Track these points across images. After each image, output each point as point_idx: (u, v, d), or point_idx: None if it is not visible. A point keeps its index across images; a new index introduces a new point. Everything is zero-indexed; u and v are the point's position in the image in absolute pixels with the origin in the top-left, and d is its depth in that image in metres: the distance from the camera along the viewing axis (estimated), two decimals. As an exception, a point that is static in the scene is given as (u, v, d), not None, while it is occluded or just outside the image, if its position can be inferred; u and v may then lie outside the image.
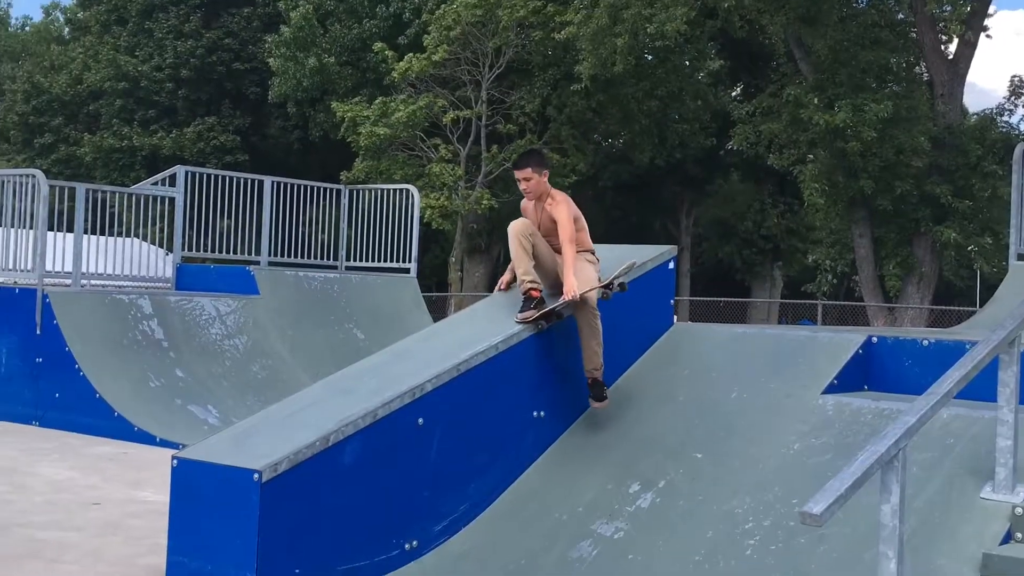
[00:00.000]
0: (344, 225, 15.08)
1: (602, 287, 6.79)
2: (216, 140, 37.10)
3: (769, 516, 5.59)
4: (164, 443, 9.94)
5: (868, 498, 4.52)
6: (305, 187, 14.58)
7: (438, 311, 24.41)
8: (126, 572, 5.84)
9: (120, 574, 5.80)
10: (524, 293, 6.69)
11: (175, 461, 5.72)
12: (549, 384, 6.76)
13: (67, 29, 51.68)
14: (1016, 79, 28.88)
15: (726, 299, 32.84)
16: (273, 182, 14.16)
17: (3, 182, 11.79)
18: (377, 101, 29.71)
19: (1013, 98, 28.89)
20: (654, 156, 33.73)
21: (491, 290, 7.29)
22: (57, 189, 12.13)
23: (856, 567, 5.01)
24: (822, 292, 30.62)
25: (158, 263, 13.74)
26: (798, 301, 34.54)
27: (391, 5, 32.97)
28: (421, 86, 29.76)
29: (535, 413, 6.72)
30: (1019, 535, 4.96)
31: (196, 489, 5.60)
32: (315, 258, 14.90)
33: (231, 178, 13.85)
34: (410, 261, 14.68)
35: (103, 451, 9.82)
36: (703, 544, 5.60)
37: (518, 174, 6.83)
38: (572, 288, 6.47)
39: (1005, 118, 28.49)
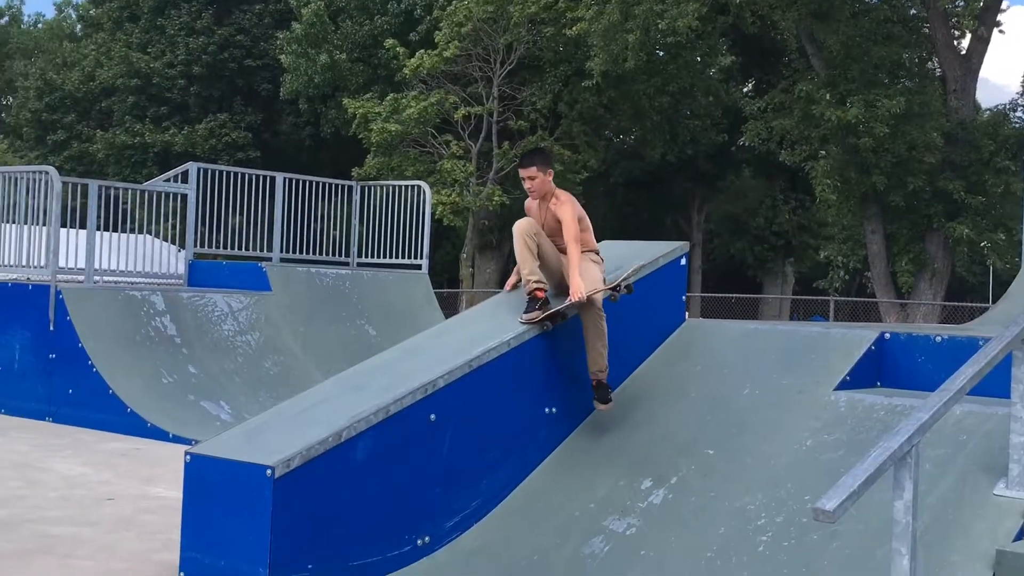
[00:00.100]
0: (356, 221, 15.09)
1: (610, 289, 6.76)
2: (228, 137, 37.19)
3: (781, 512, 5.58)
4: (177, 439, 9.97)
5: (881, 495, 4.51)
6: (317, 183, 14.59)
7: (450, 307, 24.42)
8: (139, 568, 5.86)
9: (133, 570, 5.82)
10: (529, 294, 6.64)
11: (188, 457, 5.74)
12: (561, 381, 6.75)
13: (79, 26, 51.80)
14: (1029, 74, 28.78)
15: (738, 295, 32.80)
16: (285, 178, 14.18)
17: (16, 179, 11.82)
18: (388, 97, 29.74)
19: (1026, 94, 28.78)
20: (665, 152, 33.71)
21: (502, 286, 7.26)
22: (70, 186, 12.16)
23: (869, 564, 5.00)
24: (834, 288, 30.55)
25: (170, 259, 13.77)
26: (810, 297, 34.46)
27: (402, 2, 33.00)
28: (432, 82, 29.77)
29: (547, 409, 6.72)
30: (1032, 532, 4.95)
31: (209, 485, 5.62)
32: (327, 254, 14.91)
33: (243, 175, 13.87)
34: (422, 257, 14.69)
35: (116, 447, 9.85)
36: (715, 540, 5.60)
37: (523, 173, 6.78)
38: (579, 289, 6.42)
39: (1018, 114, 28.50)
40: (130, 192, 13.61)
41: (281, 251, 14.07)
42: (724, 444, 6.30)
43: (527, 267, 6.63)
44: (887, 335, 6.84)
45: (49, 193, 11.31)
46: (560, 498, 6.34)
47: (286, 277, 13.17)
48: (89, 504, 7.41)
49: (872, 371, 6.71)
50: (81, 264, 11.90)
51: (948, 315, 26.23)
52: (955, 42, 26.55)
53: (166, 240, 14.29)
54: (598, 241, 7.08)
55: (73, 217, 12.12)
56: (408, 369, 6.28)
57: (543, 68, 30.61)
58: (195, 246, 13.43)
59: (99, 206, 12.01)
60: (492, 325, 6.70)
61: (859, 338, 6.80)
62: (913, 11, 27.17)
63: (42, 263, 11.44)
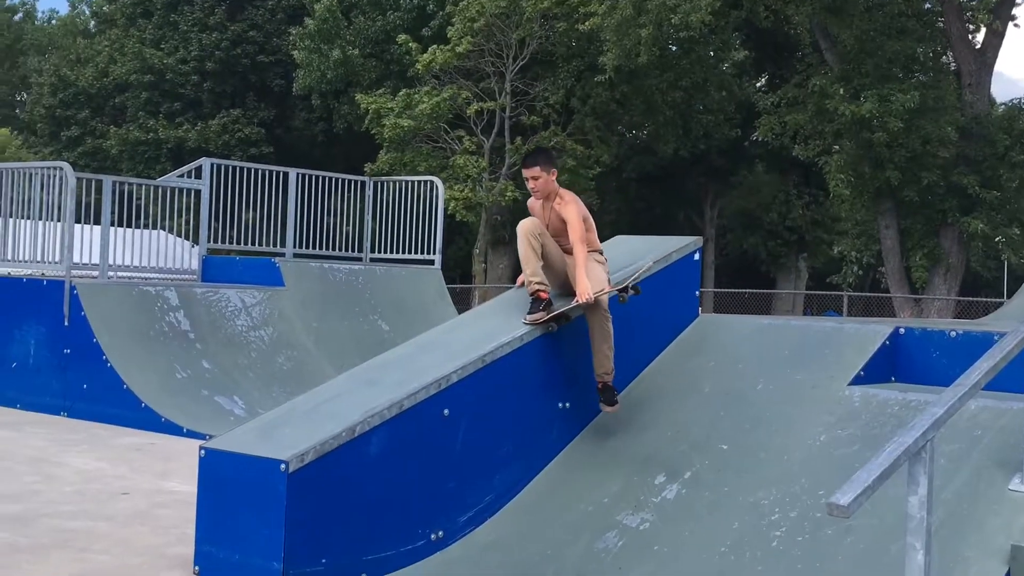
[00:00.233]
0: (368, 217, 15.11)
1: (618, 291, 6.74)
2: (241, 132, 37.25)
3: (795, 507, 5.58)
4: (191, 434, 10.00)
5: (895, 490, 4.50)
6: (330, 179, 14.61)
7: (462, 303, 24.44)
8: (154, 561, 5.88)
9: (148, 563, 5.84)
10: (532, 294, 6.60)
11: (203, 451, 5.76)
12: (574, 375, 6.75)
13: (93, 22, 51.95)
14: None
15: (751, 290, 32.73)
16: (298, 174, 14.20)
17: (31, 175, 11.87)
18: (401, 93, 29.74)
19: (1041, 87, 28.64)
20: (678, 147, 33.64)
21: (515, 282, 7.24)
22: (84, 182, 12.20)
23: (883, 559, 4.99)
24: (847, 284, 30.47)
25: (184, 255, 13.80)
26: (823, 292, 34.39)
27: (415, -3, 33.02)
28: (445, 78, 29.77)
29: (560, 404, 6.72)
30: (1048, 527, 4.93)
31: (223, 479, 5.63)
32: (340, 250, 14.93)
33: (256, 170, 13.90)
34: (434, 253, 14.70)
35: (131, 442, 9.89)
36: (729, 535, 5.59)
37: (526, 173, 6.72)
38: (586, 291, 6.37)
39: (1033, 108, 28.24)
40: (144, 188, 13.64)
41: (294, 247, 14.09)
42: (738, 439, 6.29)
43: (530, 267, 6.59)
44: (901, 330, 6.82)
45: (63, 189, 11.35)
46: (573, 493, 6.34)
47: (299, 272, 13.20)
48: (104, 498, 7.44)
49: (886, 366, 6.69)
50: (95, 260, 11.94)
51: (963, 310, 26.13)
52: (970, 36, 26.41)
53: (180, 236, 14.33)
54: (610, 237, 7.07)
55: (87, 213, 12.16)
56: (421, 364, 6.28)
57: (555, 63, 30.57)
58: (208, 241, 13.46)
59: (113, 202, 12.04)
60: (505, 321, 6.71)
61: (873, 333, 6.79)
62: (927, 5, 27.05)
63: (57, 259, 11.48)
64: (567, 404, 6.74)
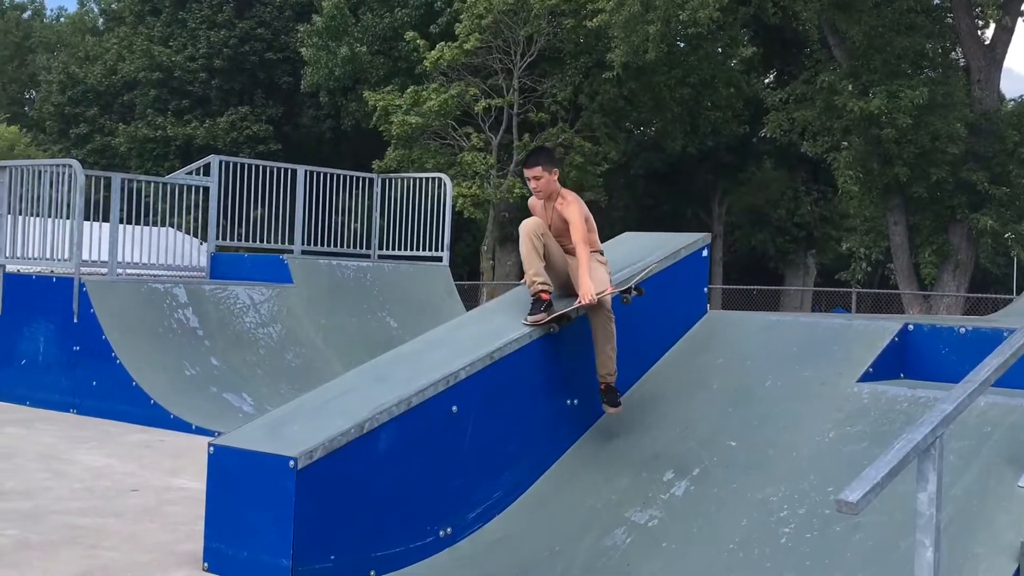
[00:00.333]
0: (376, 214, 15.12)
1: (622, 292, 6.71)
2: (249, 130, 37.30)
3: (804, 504, 5.57)
4: (200, 431, 10.02)
5: (904, 487, 4.49)
6: (338, 176, 14.62)
7: (470, 300, 24.46)
8: (164, 558, 5.89)
9: (158, 560, 5.86)
10: (534, 295, 6.56)
11: (211, 448, 5.77)
12: (582, 372, 6.74)
13: (101, 20, 52.09)
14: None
15: (759, 287, 32.68)
16: (306, 171, 14.21)
17: (40, 172, 11.89)
18: (409, 90, 29.75)
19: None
20: (686, 144, 33.60)
21: (522, 279, 7.23)
22: (93, 179, 12.22)
23: (892, 556, 4.99)
24: (856, 280, 30.40)
25: (192, 252, 13.83)
26: (832, 289, 34.31)
27: (423, -6, 33.02)
28: (453, 75, 29.76)
29: (568, 401, 6.72)
30: (1058, 524, 4.92)
31: (232, 476, 5.65)
32: (348, 247, 14.94)
33: (264, 167, 13.91)
34: (442, 250, 14.70)
35: (140, 439, 9.91)
36: (737, 532, 5.59)
37: (528, 172, 6.68)
38: (589, 292, 6.32)
39: (1043, 104, 28.17)
40: (152, 185, 13.67)
41: (302, 243, 14.10)
42: (746, 436, 6.29)
43: (532, 268, 6.55)
44: (910, 327, 6.80)
45: (72, 186, 11.37)
46: (582, 489, 6.34)
47: (307, 269, 13.21)
48: (114, 495, 7.45)
49: (895, 363, 6.68)
50: (104, 257, 11.96)
51: (972, 306, 26.07)
52: (979, 32, 26.34)
53: (188, 233, 14.35)
54: (618, 234, 7.05)
55: (96, 210, 12.18)
56: (430, 361, 6.29)
57: (563, 60, 30.55)
58: (217, 239, 13.48)
59: (122, 199, 12.07)
60: (513, 318, 6.71)
61: (882, 330, 6.78)
62: (936, 1, 26.98)
63: (66, 256, 11.51)
64: (575, 401, 6.74)
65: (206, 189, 13.36)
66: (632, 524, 5.93)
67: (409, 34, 30.49)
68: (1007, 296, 26.38)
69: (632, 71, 28.51)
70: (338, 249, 14.69)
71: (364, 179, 15.29)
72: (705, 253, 7.80)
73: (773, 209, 37.75)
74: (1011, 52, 26.42)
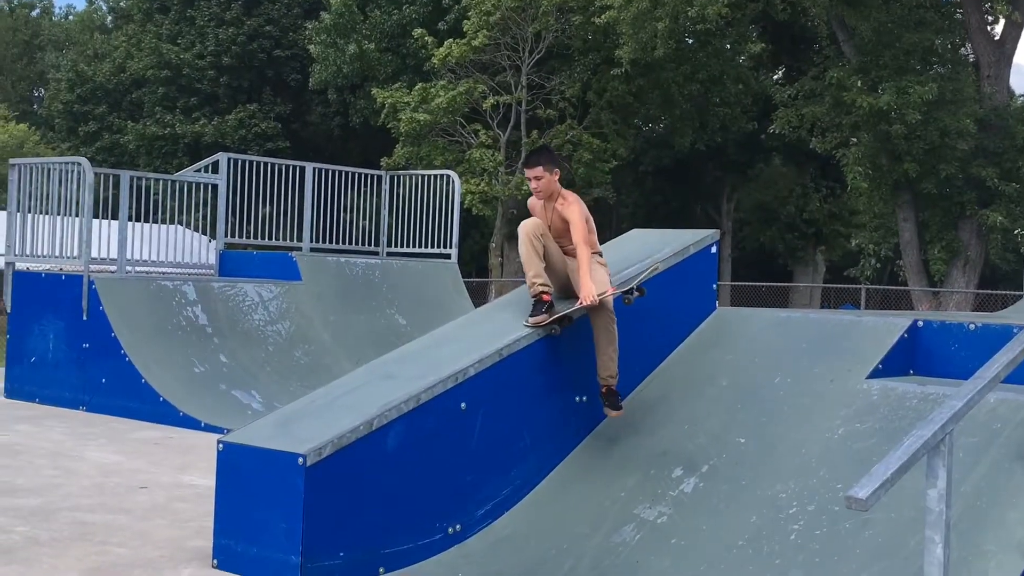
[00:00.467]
0: (385, 211, 15.12)
1: (623, 292, 6.69)
2: (257, 127, 37.34)
3: (813, 501, 5.57)
4: (209, 428, 10.04)
5: (914, 483, 4.48)
6: (346, 173, 14.63)
7: (478, 296, 24.45)
8: (173, 554, 5.91)
9: (167, 557, 5.87)
10: (534, 296, 6.52)
11: (221, 445, 5.78)
12: (591, 369, 6.73)
13: (110, 18, 52.19)
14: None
15: (768, 284, 32.64)
16: (314, 168, 14.22)
17: (49, 170, 11.91)
18: (417, 87, 29.74)
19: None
20: (695, 140, 33.56)
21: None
22: (102, 177, 12.25)
23: (901, 552, 4.98)
24: (865, 277, 30.34)
25: (201, 250, 13.84)
26: (841, 286, 34.25)
27: (431, -10, 33.00)
28: (461, 72, 29.74)
29: (577, 398, 6.72)
30: (1068, 521, 4.90)
31: (242, 473, 5.66)
32: (356, 244, 14.95)
33: (273, 165, 13.92)
34: (451, 247, 14.70)
35: (149, 436, 9.93)
36: (747, 529, 5.58)
37: (528, 173, 6.61)
38: (591, 293, 6.27)
39: (1053, 99, 28.07)
40: (161, 182, 13.68)
41: (311, 241, 14.11)
42: (755, 432, 6.28)
43: (532, 269, 6.50)
44: (920, 323, 6.79)
45: (81, 184, 11.39)
46: (591, 486, 6.34)
47: (316, 267, 13.22)
48: (123, 492, 7.47)
49: (905, 359, 6.67)
50: (113, 254, 11.98)
51: (981, 303, 26.00)
52: (988, 27, 26.26)
53: (197, 230, 14.37)
54: (627, 231, 7.03)
55: (105, 208, 12.21)
56: (438, 358, 6.29)
57: (572, 57, 30.52)
58: (226, 236, 13.50)
59: (131, 197, 12.09)
60: (521, 314, 6.70)
61: (892, 326, 6.76)
62: (946, -4, 26.93)
63: (75, 253, 11.53)
64: (584, 398, 6.73)
65: (215, 186, 13.38)
66: (641, 521, 5.92)
67: (417, 31, 30.47)
68: (1017, 292, 26.30)
69: (640, 68, 28.47)
70: (347, 246, 14.71)
71: (372, 176, 15.29)
72: (714, 250, 7.79)
73: (782, 206, 37.70)
74: (1021, 47, 26.41)
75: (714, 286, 7.83)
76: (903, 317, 7.00)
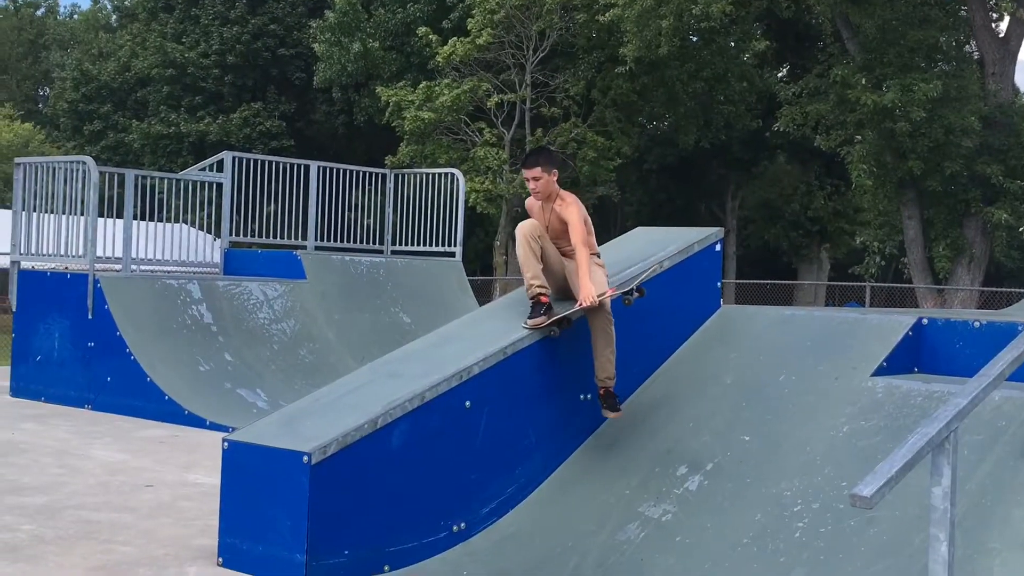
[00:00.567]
0: (389, 209, 15.13)
1: (623, 293, 6.67)
2: (262, 126, 37.35)
3: (818, 499, 5.57)
4: (214, 426, 10.05)
5: (919, 481, 4.48)
6: (350, 172, 14.63)
7: (483, 295, 24.46)
8: (178, 553, 5.92)
9: (172, 555, 5.88)
10: (532, 298, 6.48)
11: (226, 444, 5.79)
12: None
13: (115, 17, 52.22)
14: (1069, 57, 28.39)
15: (773, 282, 32.63)
16: (319, 167, 14.22)
17: (54, 169, 11.93)
18: (421, 85, 29.75)
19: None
20: (699, 138, 33.55)
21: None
22: (107, 176, 12.25)
23: (906, 550, 4.98)
24: (870, 274, 30.31)
25: (206, 248, 13.86)
26: (845, 283, 34.23)
27: (435, -11, 33.01)
28: (465, 70, 29.75)
29: (582, 396, 6.72)
30: (1073, 518, 4.90)
31: (247, 471, 5.67)
32: (361, 242, 14.96)
33: (277, 163, 13.93)
34: (455, 245, 14.70)
35: (154, 434, 9.94)
36: (751, 527, 5.58)
37: (527, 173, 6.55)
38: (590, 294, 6.23)
39: (1058, 97, 28.01)
40: (166, 181, 13.69)
41: (316, 239, 14.12)
42: (760, 430, 6.28)
43: (530, 271, 6.47)
44: (924, 321, 6.79)
45: (86, 183, 11.41)
46: (595, 484, 6.34)
47: (321, 265, 13.23)
48: (128, 490, 7.49)
49: (910, 357, 6.66)
50: (118, 253, 11.99)
51: (986, 300, 25.97)
52: (993, 24, 26.21)
53: (202, 229, 14.37)
54: (631, 228, 7.02)
55: (110, 206, 12.22)
56: (443, 356, 6.29)
57: (576, 55, 30.52)
58: (230, 235, 13.51)
59: (136, 195, 12.10)
60: (525, 313, 6.70)
61: (896, 324, 6.76)
62: (950, -7, 26.87)
63: (80, 252, 11.54)
64: (588, 396, 6.73)
65: (219, 185, 13.39)
66: (646, 519, 5.93)
67: (421, 29, 30.48)
68: (1022, 290, 26.28)
69: (645, 66, 28.47)
70: (351, 245, 14.71)
71: (377, 175, 15.30)
72: (718, 248, 7.78)
73: (786, 203, 37.67)
74: (1025, 45, 26.26)
75: (718, 284, 7.83)
76: (908, 315, 6.99)
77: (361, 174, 14.89)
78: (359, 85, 34.69)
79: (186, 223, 13.51)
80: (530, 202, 6.79)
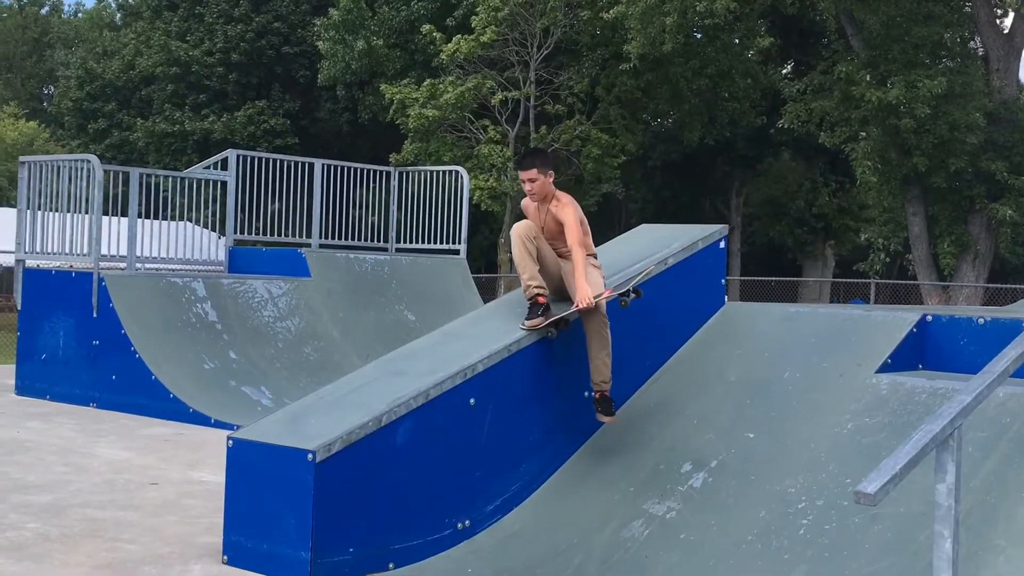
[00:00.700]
0: (394, 207, 15.13)
1: (619, 294, 6.65)
2: (266, 124, 37.37)
3: (822, 496, 5.56)
4: (219, 424, 10.07)
5: (923, 478, 4.48)
6: (355, 169, 14.63)
7: (488, 292, 24.44)
8: (183, 551, 5.93)
9: (177, 553, 5.89)
10: (530, 299, 6.46)
11: (231, 442, 5.79)
12: (600, 364, 6.74)
13: (119, 15, 52.26)
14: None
15: (777, 278, 32.61)
16: (323, 165, 14.23)
17: (59, 167, 11.94)
18: (426, 83, 29.75)
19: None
20: (704, 135, 33.53)
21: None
22: (111, 174, 12.26)
23: (910, 547, 4.97)
24: (875, 271, 30.31)
25: (211, 246, 13.87)
26: (850, 280, 34.22)
27: (439, -13, 33.00)
28: (469, 67, 29.75)
29: (586, 393, 6.72)
30: (1078, 515, 4.89)
31: (251, 469, 5.67)
32: (365, 240, 14.96)
33: (282, 161, 13.94)
34: (460, 242, 14.70)
35: (159, 432, 9.96)
36: (756, 524, 5.58)
37: (523, 175, 6.52)
38: (587, 295, 6.19)
39: (1063, 93, 27.96)
40: (170, 179, 13.71)
41: (320, 237, 14.13)
42: (764, 427, 6.28)
43: (527, 272, 6.43)
44: (929, 317, 6.78)
45: (91, 181, 11.42)
46: (599, 481, 6.34)
47: (325, 263, 13.24)
48: (133, 488, 7.50)
49: (914, 354, 6.65)
50: (123, 251, 12.01)
51: (991, 297, 25.95)
52: (997, 21, 26.18)
53: (206, 227, 14.39)
54: (636, 225, 7.01)
55: (115, 205, 12.23)
56: (447, 354, 6.30)
57: (580, 52, 30.51)
58: (235, 233, 13.52)
59: (140, 194, 12.11)
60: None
61: (901, 320, 6.75)
62: (954, -11, 26.83)
63: (85, 251, 11.56)
64: (592, 394, 6.72)
65: (224, 183, 13.40)
66: (650, 516, 5.93)
67: (425, 27, 30.48)
68: (1027, 287, 26.23)
69: (649, 62, 28.45)
70: (356, 242, 14.72)
71: (381, 172, 15.30)
72: (723, 245, 7.77)
73: (791, 200, 37.64)
74: (1030, 41, 26.20)
75: (723, 281, 7.83)
76: (912, 311, 6.98)
77: (365, 172, 14.89)
78: (363, 83, 34.70)
79: (190, 221, 13.52)
80: (526, 203, 6.76)
